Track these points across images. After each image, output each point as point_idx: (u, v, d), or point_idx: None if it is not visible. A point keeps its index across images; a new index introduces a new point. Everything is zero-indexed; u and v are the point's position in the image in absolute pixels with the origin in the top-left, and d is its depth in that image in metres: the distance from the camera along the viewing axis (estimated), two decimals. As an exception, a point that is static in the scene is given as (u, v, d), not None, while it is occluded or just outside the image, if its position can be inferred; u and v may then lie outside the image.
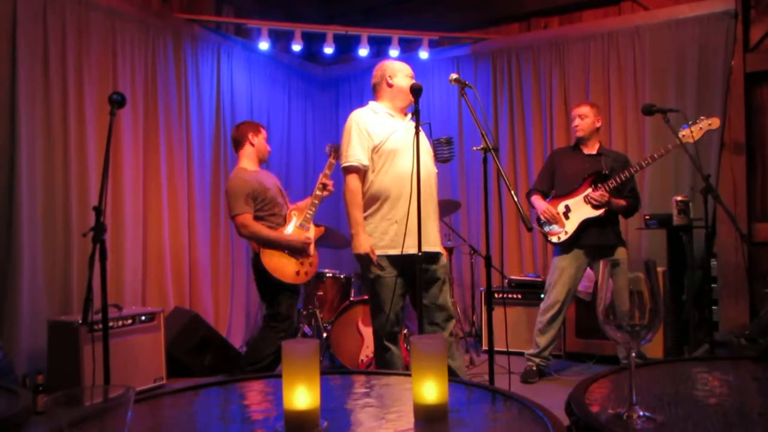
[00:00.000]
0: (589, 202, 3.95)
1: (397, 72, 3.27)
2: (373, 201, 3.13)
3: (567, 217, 4.04)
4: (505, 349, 3.06)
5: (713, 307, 4.76)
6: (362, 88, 6.64)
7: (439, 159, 3.02)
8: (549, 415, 1.08)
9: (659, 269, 4.36)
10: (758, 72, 4.77)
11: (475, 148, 2.96)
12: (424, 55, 5.96)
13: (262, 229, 3.69)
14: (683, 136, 3.63)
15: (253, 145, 3.84)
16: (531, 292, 4.99)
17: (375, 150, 3.13)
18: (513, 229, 5.78)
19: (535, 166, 5.72)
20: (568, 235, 4.02)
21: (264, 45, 5.60)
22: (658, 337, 4.30)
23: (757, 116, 4.85)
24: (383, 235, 3.07)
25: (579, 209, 4.01)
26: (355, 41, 5.90)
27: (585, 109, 4.13)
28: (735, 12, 4.80)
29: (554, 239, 4.08)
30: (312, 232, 3.87)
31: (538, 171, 5.69)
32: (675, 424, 1.02)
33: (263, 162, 3.93)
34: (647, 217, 3.91)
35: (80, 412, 0.82)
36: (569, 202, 4.06)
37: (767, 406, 1.17)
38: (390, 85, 3.24)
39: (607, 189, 3.89)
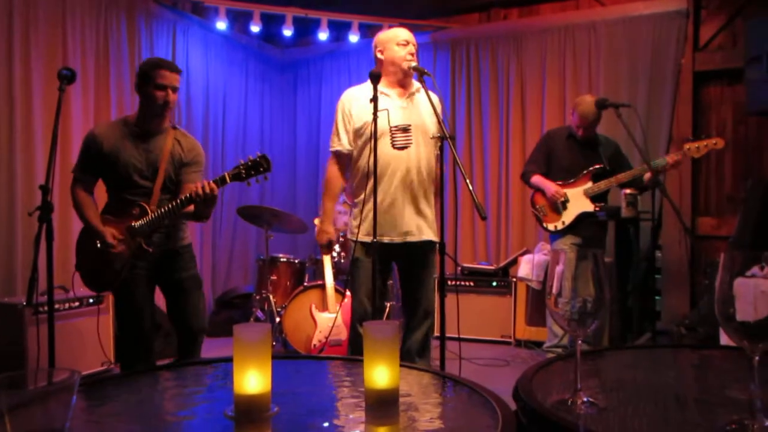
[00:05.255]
0: (588, 197, 4.06)
1: (386, 42, 2.97)
2: (359, 186, 3.01)
3: (564, 207, 4.11)
4: (457, 336, 3.09)
5: (656, 298, 4.93)
6: (321, 71, 6.58)
7: (394, 147, 2.97)
8: (497, 400, 1.11)
9: (606, 260, 4.48)
10: (706, 71, 4.92)
11: (432, 136, 2.96)
12: (383, 41, 5.93)
13: (78, 205, 2.87)
14: (688, 149, 3.77)
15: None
16: (483, 279, 5.08)
17: (357, 133, 2.97)
18: (467, 217, 5.85)
19: (490, 155, 5.79)
20: (565, 225, 4.10)
21: (221, 25, 5.49)
22: (603, 326, 4.43)
23: (704, 113, 5.00)
24: (364, 221, 2.91)
25: (577, 201, 4.09)
26: (315, 24, 5.83)
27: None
28: (687, 12, 4.93)
29: (550, 227, 4.16)
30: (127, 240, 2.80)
31: (495, 159, 5.79)
32: (616, 409, 1.06)
33: (153, 118, 2.88)
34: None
35: (23, 396, 0.81)
36: (568, 191, 4.12)
37: (703, 392, 1.23)
38: (381, 60, 2.98)
39: (609, 186, 4.03)
